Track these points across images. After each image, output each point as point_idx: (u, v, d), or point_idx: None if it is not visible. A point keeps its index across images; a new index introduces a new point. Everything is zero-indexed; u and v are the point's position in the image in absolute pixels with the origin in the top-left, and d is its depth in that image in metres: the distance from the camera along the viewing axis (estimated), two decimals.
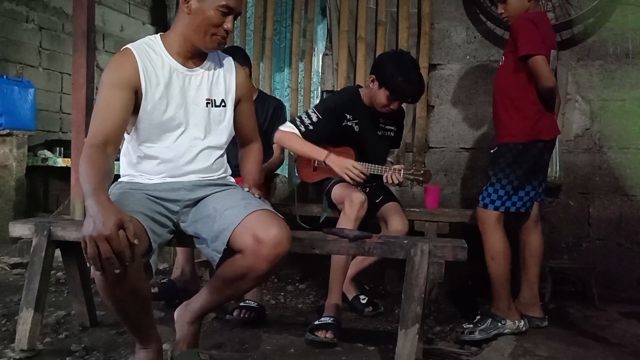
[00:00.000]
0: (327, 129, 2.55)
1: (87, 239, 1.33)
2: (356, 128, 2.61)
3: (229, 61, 1.91)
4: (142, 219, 1.58)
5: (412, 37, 3.47)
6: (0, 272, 3.26)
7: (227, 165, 1.96)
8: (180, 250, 2.79)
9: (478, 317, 2.30)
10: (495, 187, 2.32)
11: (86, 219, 1.37)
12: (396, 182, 2.52)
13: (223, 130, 1.86)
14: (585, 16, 3.08)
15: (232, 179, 1.96)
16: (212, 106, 1.83)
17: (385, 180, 2.55)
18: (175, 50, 1.77)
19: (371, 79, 2.54)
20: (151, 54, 1.75)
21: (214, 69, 1.85)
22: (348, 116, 2.58)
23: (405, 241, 1.85)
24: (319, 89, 3.82)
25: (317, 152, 2.49)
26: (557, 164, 3.03)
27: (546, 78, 2.19)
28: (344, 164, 2.45)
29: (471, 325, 2.26)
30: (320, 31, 3.95)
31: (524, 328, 2.30)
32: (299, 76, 3.90)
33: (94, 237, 1.32)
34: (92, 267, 1.39)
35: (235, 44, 3.84)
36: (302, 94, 3.82)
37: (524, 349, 2.13)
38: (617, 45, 3.11)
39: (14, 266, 3.33)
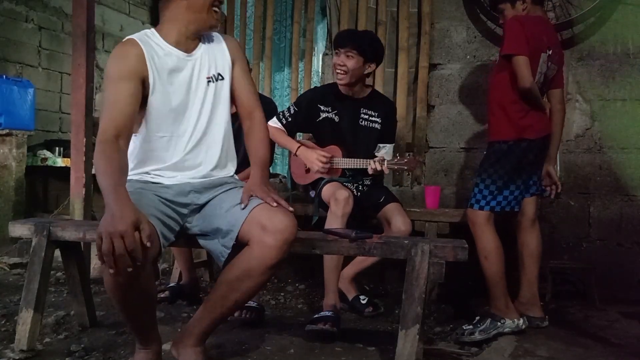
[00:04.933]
0: (304, 120, 2.72)
1: (103, 234, 1.34)
2: (336, 119, 2.70)
3: (216, 35, 1.91)
4: (155, 223, 1.58)
5: (412, 37, 3.47)
6: (0, 272, 3.26)
7: (234, 159, 1.95)
8: (178, 255, 2.80)
9: (477, 318, 2.30)
10: (480, 187, 2.35)
11: (105, 215, 1.39)
12: (379, 169, 2.53)
13: (224, 104, 1.87)
14: (585, 16, 3.08)
15: (237, 177, 1.96)
16: (213, 82, 1.84)
17: (370, 171, 2.56)
18: (174, 40, 1.78)
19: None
20: (152, 44, 1.76)
21: (209, 48, 1.86)
22: (323, 107, 2.70)
23: (405, 241, 1.85)
24: None
25: (290, 145, 2.71)
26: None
27: (522, 78, 2.22)
28: (310, 156, 2.61)
29: (471, 327, 2.26)
30: (320, 31, 3.96)
31: (523, 326, 2.30)
32: (299, 76, 3.90)
33: (109, 233, 1.33)
34: (103, 265, 1.40)
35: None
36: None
37: (524, 349, 2.13)
38: (618, 45, 3.10)
39: (13, 266, 3.33)
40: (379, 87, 3.36)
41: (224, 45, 1.89)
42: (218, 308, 1.70)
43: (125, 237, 1.33)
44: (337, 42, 2.63)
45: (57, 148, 3.95)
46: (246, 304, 2.40)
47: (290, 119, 2.72)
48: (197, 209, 1.80)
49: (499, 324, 2.26)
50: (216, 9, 1.79)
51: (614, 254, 3.07)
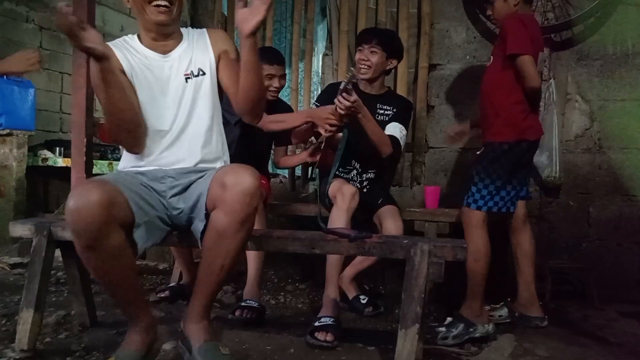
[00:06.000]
0: None
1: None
2: None
3: (201, 32, 1.93)
4: (126, 192, 1.64)
5: (412, 37, 3.47)
6: (1, 272, 3.26)
7: (224, 154, 1.96)
8: (177, 255, 2.80)
9: (449, 319, 2.28)
10: (478, 187, 2.34)
11: None
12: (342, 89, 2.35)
13: (205, 99, 1.88)
14: (585, 16, 3.08)
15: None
16: (191, 78, 1.86)
17: (339, 101, 2.40)
18: (148, 43, 1.85)
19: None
20: (128, 47, 1.84)
21: (189, 46, 1.88)
22: None
23: (405, 241, 1.85)
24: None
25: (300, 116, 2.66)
26: (557, 164, 3.03)
27: (532, 78, 2.21)
28: (321, 116, 2.52)
29: (444, 329, 2.23)
30: (320, 31, 3.96)
31: (492, 331, 2.27)
32: (299, 76, 3.90)
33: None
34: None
35: (236, 45, 3.85)
36: (302, 94, 3.82)
37: (523, 348, 2.14)
38: (617, 45, 3.11)
39: (14, 266, 3.33)
40: None
41: (207, 40, 1.91)
42: (206, 278, 1.71)
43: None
44: (361, 39, 2.70)
45: (57, 148, 3.96)
46: (247, 304, 2.41)
47: None
48: (178, 192, 1.82)
49: (471, 329, 2.23)
50: (158, 2, 1.74)
51: (613, 253, 3.08)
